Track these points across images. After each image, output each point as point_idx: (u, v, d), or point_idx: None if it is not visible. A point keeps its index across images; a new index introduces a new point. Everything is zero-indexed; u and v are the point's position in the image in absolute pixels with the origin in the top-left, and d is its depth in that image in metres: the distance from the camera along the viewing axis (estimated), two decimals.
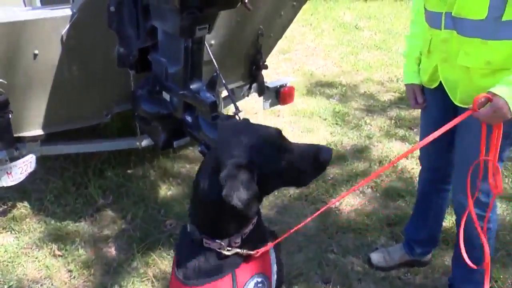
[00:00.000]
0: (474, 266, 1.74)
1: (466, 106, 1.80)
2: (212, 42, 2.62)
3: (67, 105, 2.53)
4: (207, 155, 1.33)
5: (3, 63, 2.15)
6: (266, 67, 3.18)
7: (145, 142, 2.87)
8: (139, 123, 2.68)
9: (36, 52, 2.20)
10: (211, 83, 2.21)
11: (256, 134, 1.25)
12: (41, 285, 2.35)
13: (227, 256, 1.28)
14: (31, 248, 2.56)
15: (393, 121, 3.87)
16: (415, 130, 3.74)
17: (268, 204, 2.89)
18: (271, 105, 3.44)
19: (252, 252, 1.30)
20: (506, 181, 3.09)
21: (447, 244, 2.55)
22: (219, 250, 1.27)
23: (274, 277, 1.42)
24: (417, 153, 2.34)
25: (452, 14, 1.70)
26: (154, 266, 2.46)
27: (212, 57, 2.42)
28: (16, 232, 2.67)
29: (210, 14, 2.04)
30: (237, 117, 2.27)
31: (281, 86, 3.38)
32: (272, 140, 1.26)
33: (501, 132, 1.60)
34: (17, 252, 2.54)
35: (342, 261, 2.48)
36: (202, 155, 2.25)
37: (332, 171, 3.24)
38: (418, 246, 2.37)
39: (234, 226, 1.29)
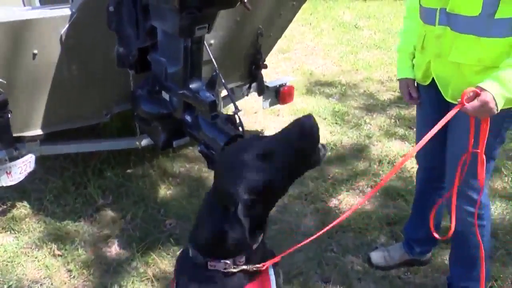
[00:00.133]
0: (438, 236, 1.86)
1: (456, 102, 1.82)
2: (212, 41, 2.62)
3: (67, 104, 2.53)
4: (211, 191, 1.32)
5: (2, 63, 2.15)
6: (265, 67, 3.18)
7: (144, 142, 2.87)
8: (139, 123, 2.67)
9: (35, 51, 2.20)
10: (211, 83, 2.21)
11: (245, 157, 1.24)
12: (41, 284, 2.35)
13: (234, 274, 1.28)
14: (31, 248, 2.56)
15: (392, 120, 3.87)
16: (414, 129, 3.73)
17: None
18: (271, 104, 3.44)
19: (258, 266, 1.31)
20: (506, 180, 3.09)
21: (446, 243, 2.55)
22: (224, 270, 1.27)
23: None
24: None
25: (447, 10, 1.71)
26: (154, 265, 2.46)
27: (211, 56, 2.42)
28: (16, 232, 2.67)
29: (210, 13, 2.04)
30: (236, 116, 2.27)
31: (281, 85, 3.38)
32: (257, 151, 1.25)
33: (488, 126, 1.62)
34: (17, 252, 2.54)
35: (342, 260, 2.48)
36: (202, 154, 2.25)
37: (332, 170, 3.24)
38: (418, 245, 2.38)
39: (241, 247, 1.29)
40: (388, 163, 3.30)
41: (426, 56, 1.89)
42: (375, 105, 4.16)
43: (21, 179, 2.49)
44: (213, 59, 2.40)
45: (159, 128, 2.45)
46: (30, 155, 2.49)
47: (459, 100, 1.59)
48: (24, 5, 3.42)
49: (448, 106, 1.86)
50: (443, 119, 1.56)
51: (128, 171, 3.19)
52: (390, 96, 4.25)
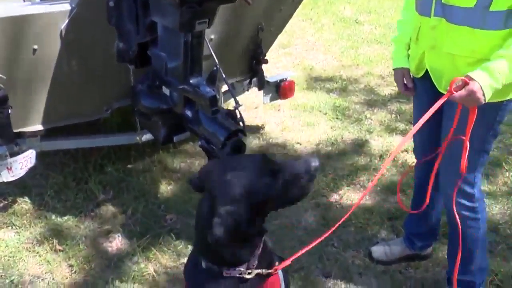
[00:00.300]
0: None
1: None
2: (212, 36, 2.61)
3: (67, 100, 2.52)
4: (204, 197, 1.34)
5: (2, 58, 2.15)
6: (266, 62, 3.17)
7: (145, 137, 2.87)
8: (139, 118, 2.67)
9: (35, 47, 2.20)
10: (211, 78, 2.21)
11: (245, 170, 1.29)
12: (42, 279, 2.36)
13: (247, 280, 1.32)
14: (32, 243, 2.57)
15: (393, 115, 3.87)
16: None
17: None
18: (271, 99, 3.44)
19: (270, 270, 1.37)
20: (507, 175, 3.09)
21: (447, 238, 2.55)
22: (240, 276, 1.31)
23: None
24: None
25: (442, 1, 1.72)
26: (154, 260, 2.46)
27: (212, 51, 2.41)
28: (17, 227, 2.67)
29: (210, 8, 2.04)
30: (237, 111, 2.26)
31: (281, 80, 3.37)
32: (261, 170, 1.30)
33: (475, 116, 1.65)
34: (18, 247, 2.54)
35: (342, 255, 2.49)
36: (203, 149, 2.25)
37: (333, 165, 3.23)
38: (418, 239, 2.38)
39: (246, 252, 1.34)
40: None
41: (420, 48, 1.90)
42: (376, 100, 4.15)
43: (21, 174, 2.49)
44: (213, 54, 2.40)
45: (160, 123, 2.45)
46: (30, 150, 2.49)
47: (448, 88, 1.61)
48: (24, 0, 3.40)
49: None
50: (432, 108, 1.60)
51: (129, 166, 3.19)
52: (391, 91, 4.24)
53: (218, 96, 2.14)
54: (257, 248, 1.36)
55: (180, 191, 2.98)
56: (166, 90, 2.34)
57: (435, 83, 1.89)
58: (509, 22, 1.63)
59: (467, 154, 1.70)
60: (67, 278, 2.37)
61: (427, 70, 1.90)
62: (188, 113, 2.27)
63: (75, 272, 2.40)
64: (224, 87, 3.16)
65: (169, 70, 2.24)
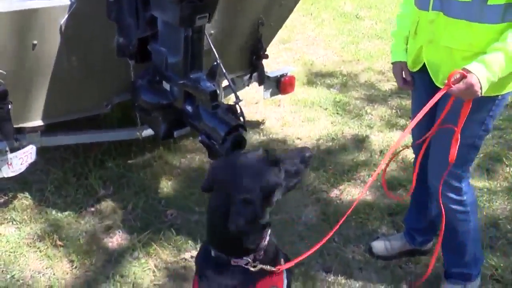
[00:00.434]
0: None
1: None
2: (212, 31, 2.60)
3: (67, 95, 2.52)
4: (216, 193, 1.44)
5: (2, 53, 2.14)
6: (266, 57, 3.16)
7: (145, 133, 2.86)
8: (139, 114, 2.67)
9: (35, 42, 2.19)
10: (211, 73, 2.20)
11: (255, 164, 1.41)
12: (43, 274, 2.36)
13: (252, 272, 1.41)
14: (33, 239, 2.57)
15: (394, 111, 3.86)
16: None
17: None
18: (272, 94, 3.43)
19: (274, 269, 1.45)
20: (507, 170, 3.08)
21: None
22: (246, 267, 1.41)
23: (285, 286, 1.55)
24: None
25: None
26: (155, 255, 2.46)
27: (212, 46, 2.41)
28: (18, 223, 2.68)
29: (210, 3, 2.03)
30: (237, 106, 2.26)
31: (282, 75, 3.36)
32: (267, 162, 1.43)
33: (469, 108, 1.66)
34: (19, 243, 2.54)
35: (343, 250, 2.49)
36: (203, 144, 2.25)
37: (333, 160, 3.23)
38: (419, 235, 2.38)
39: (253, 244, 1.42)
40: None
41: (418, 42, 1.91)
42: (376, 95, 4.14)
43: (22, 170, 2.49)
44: (213, 49, 2.39)
45: (160, 119, 2.44)
46: (31, 146, 2.49)
47: (446, 81, 1.62)
48: None
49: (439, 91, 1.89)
50: (429, 102, 1.62)
51: (129, 161, 3.19)
52: (392, 86, 4.24)
53: (218, 91, 2.13)
54: (263, 240, 1.45)
55: (181, 187, 2.98)
56: (166, 85, 2.34)
57: (432, 77, 1.89)
58: (506, 16, 1.63)
59: (456, 148, 1.72)
60: (67, 274, 2.37)
61: (424, 65, 1.91)
62: (189, 108, 2.27)
63: (75, 267, 2.40)
64: (225, 82, 3.16)
65: (170, 65, 2.23)
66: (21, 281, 2.32)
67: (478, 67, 1.59)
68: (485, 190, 2.91)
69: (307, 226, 2.66)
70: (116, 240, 2.58)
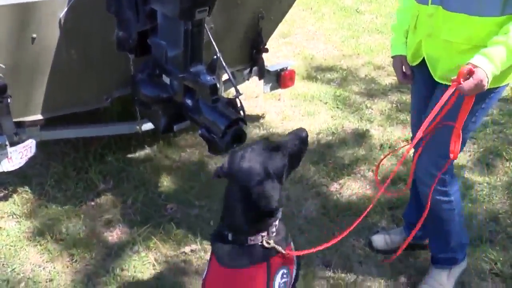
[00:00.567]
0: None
1: (444, 82, 1.85)
2: (212, 25, 2.59)
3: (66, 89, 2.51)
4: (233, 183, 1.55)
5: (1, 47, 2.13)
6: (266, 51, 3.16)
7: (145, 127, 2.86)
8: (139, 107, 2.66)
9: (34, 36, 2.18)
10: (211, 66, 2.20)
11: (261, 152, 1.54)
12: (43, 268, 2.37)
13: (267, 248, 1.52)
14: (33, 233, 2.57)
15: (394, 105, 3.86)
16: None
17: None
18: (272, 88, 3.42)
19: (284, 252, 1.55)
20: (507, 165, 3.08)
21: None
22: (261, 243, 1.51)
23: (294, 273, 1.66)
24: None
25: None
26: (155, 249, 2.47)
27: (212, 40, 2.40)
28: (18, 217, 2.68)
29: None
30: (237, 100, 2.25)
31: (282, 69, 3.35)
32: (274, 149, 1.56)
33: (472, 103, 1.66)
34: (19, 236, 2.55)
35: (343, 244, 2.49)
36: (203, 138, 2.24)
37: (333, 154, 3.23)
38: (418, 229, 2.38)
39: (269, 219, 1.55)
40: (389, 147, 3.29)
41: (417, 36, 1.91)
42: (376, 89, 4.14)
43: (21, 164, 2.48)
44: (213, 43, 2.38)
45: (160, 112, 2.44)
46: (30, 140, 2.49)
47: (453, 78, 1.59)
48: None
49: (437, 85, 1.90)
50: (440, 101, 1.60)
51: (129, 155, 3.18)
52: (392, 80, 4.23)
53: (218, 85, 2.13)
54: (276, 219, 1.58)
55: (181, 181, 2.98)
56: (166, 79, 2.33)
57: (430, 71, 1.89)
58: (506, 8, 1.63)
59: (438, 140, 1.75)
60: (67, 267, 2.38)
61: (423, 59, 1.91)
62: (188, 102, 2.26)
63: (75, 261, 2.41)
64: (225, 76, 3.15)
65: (169, 58, 2.22)
66: (21, 275, 2.33)
67: (482, 61, 1.58)
68: (485, 184, 2.92)
69: (307, 220, 2.67)
70: (116, 234, 2.59)
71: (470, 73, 1.57)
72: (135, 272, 2.34)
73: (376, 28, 5.50)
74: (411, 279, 2.31)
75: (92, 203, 2.79)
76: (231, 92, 3.40)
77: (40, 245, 2.49)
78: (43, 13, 2.15)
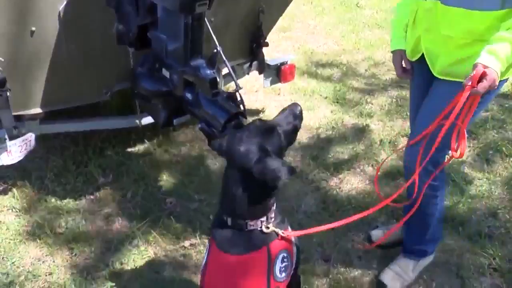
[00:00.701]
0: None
1: (443, 77, 1.85)
2: (212, 18, 2.58)
3: (66, 83, 2.50)
4: (231, 167, 1.55)
5: (0, 40, 2.12)
6: (266, 45, 3.15)
7: (145, 121, 2.85)
8: (139, 101, 2.66)
9: (33, 28, 2.17)
10: (211, 60, 2.19)
11: (257, 133, 1.55)
12: (43, 262, 2.37)
13: (265, 233, 1.54)
14: (32, 226, 2.57)
15: (394, 100, 3.85)
16: None
17: None
18: (272, 83, 3.41)
19: (284, 234, 1.58)
20: (507, 160, 3.08)
21: (446, 223, 2.56)
22: (260, 229, 1.53)
23: (294, 257, 1.67)
24: None
25: None
26: (154, 243, 2.47)
27: (212, 33, 2.39)
28: (17, 211, 2.68)
29: None
30: (237, 94, 2.25)
31: (282, 64, 3.34)
32: (266, 128, 1.58)
33: (478, 102, 1.65)
34: (19, 230, 2.55)
35: (342, 239, 2.49)
36: (203, 132, 2.23)
37: (333, 149, 3.23)
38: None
39: (266, 206, 1.57)
40: (389, 142, 3.29)
41: (416, 31, 1.90)
42: (376, 84, 4.13)
43: (21, 158, 2.48)
44: (213, 36, 2.37)
45: (159, 106, 2.43)
46: (30, 134, 2.48)
47: (467, 81, 1.57)
48: None
49: (436, 80, 1.90)
50: (457, 105, 1.58)
51: (129, 149, 3.18)
52: (392, 75, 4.22)
53: (218, 79, 2.12)
54: (274, 202, 1.61)
55: (180, 175, 2.98)
56: (166, 73, 2.32)
57: (429, 67, 1.89)
58: (506, 2, 1.62)
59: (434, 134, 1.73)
60: (67, 261, 2.38)
61: (422, 54, 1.91)
62: (188, 95, 2.25)
63: (75, 255, 2.41)
64: (225, 70, 3.14)
65: (169, 52, 2.21)
66: (21, 268, 2.33)
67: (491, 60, 1.56)
68: (485, 180, 2.92)
69: (306, 214, 2.67)
70: (116, 228, 2.59)
71: (483, 75, 1.55)
72: (134, 266, 2.35)
73: (376, 23, 5.49)
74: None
75: (92, 197, 2.79)
76: (231, 86, 3.40)
77: (40, 239, 2.49)
78: (43, 5, 2.13)
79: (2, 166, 2.46)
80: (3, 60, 2.15)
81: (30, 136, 2.48)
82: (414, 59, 1.98)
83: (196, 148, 3.23)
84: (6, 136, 2.38)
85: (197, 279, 2.23)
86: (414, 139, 2.03)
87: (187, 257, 2.40)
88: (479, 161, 3.08)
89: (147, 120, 2.85)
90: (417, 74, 2.06)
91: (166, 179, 2.94)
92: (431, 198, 2.08)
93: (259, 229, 1.54)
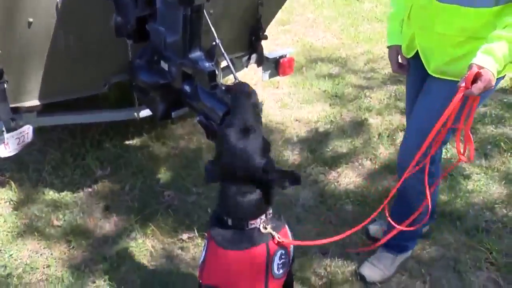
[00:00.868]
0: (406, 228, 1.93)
1: (437, 75, 1.84)
2: (211, 11, 2.56)
3: (64, 75, 2.49)
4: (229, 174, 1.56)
5: None
6: (265, 38, 3.13)
7: (143, 113, 2.84)
8: (137, 94, 2.64)
9: (31, 20, 2.15)
10: (210, 53, 2.18)
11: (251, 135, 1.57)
12: (41, 254, 2.37)
13: (262, 233, 1.56)
14: (30, 219, 2.57)
15: (392, 94, 3.85)
16: None
17: None
18: (270, 76, 3.40)
19: (280, 240, 1.59)
20: (505, 155, 3.09)
21: (444, 217, 2.57)
22: (259, 227, 1.55)
23: (291, 254, 1.69)
24: None
25: None
26: (152, 236, 2.47)
27: (211, 26, 2.37)
28: (15, 203, 2.67)
29: None
30: None
31: (281, 57, 3.33)
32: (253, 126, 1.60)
33: (478, 102, 1.63)
34: (16, 223, 2.54)
35: (340, 232, 2.48)
36: (201, 125, 2.23)
37: (331, 143, 3.23)
38: (415, 218, 2.38)
39: (266, 198, 1.58)
40: (388, 136, 3.29)
41: (411, 28, 1.89)
42: (375, 78, 4.12)
43: (18, 150, 2.47)
44: (212, 29, 2.36)
45: (158, 99, 2.42)
46: (27, 126, 2.47)
47: (461, 82, 1.55)
48: None
49: (431, 78, 1.88)
50: (449, 107, 1.56)
51: (127, 142, 3.17)
52: (390, 69, 4.21)
53: (217, 72, 2.11)
54: (271, 197, 1.61)
55: (178, 167, 2.97)
56: (164, 65, 2.31)
57: (424, 65, 1.88)
58: None
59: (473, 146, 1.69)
60: (65, 254, 2.38)
61: (417, 51, 1.89)
62: (187, 88, 2.25)
63: (73, 247, 2.41)
64: (223, 63, 3.13)
65: (168, 44, 2.20)
66: (19, 261, 2.33)
67: (487, 60, 1.54)
68: (482, 174, 2.92)
69: (304, 208, 2.67)
70: (113, 220, 2.58)
71: (477, 75, 1.53)
72: (132, 258, 2.35)
73: (375, 16, 5.48)
74: (408, 269, 2.32)
75: (90, 190, 2.78)
76: (229, 79, 3.39)
77: (37, 231, 2.49)
78: None
79: (0, 158, 2.45)
80: (0, 51, 2.13)
81: (28, 129, 2.46)
82: (409, 56, 1.97)
83: (194, 141, 3.22)
84: (3, 128, 2.37)
85: (194, 271, 2.23)
86: (410, 135, 2.03)
87: (184, 250, 2.40)
88: (477, 156, 3.08)
89: (145, 112, 2.83)
90: (412, 71, 2.05)
91: (164, 172, 2.94)
92: (420, 195, 2.03)
93: (258, 226, 1.56)
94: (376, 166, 3.00)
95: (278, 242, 1.58)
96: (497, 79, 1.77)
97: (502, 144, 3.16)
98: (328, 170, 2.97)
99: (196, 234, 2.48)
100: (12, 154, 2.44)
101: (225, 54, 2.35)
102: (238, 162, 1.53)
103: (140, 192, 2.76)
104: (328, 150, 3.16)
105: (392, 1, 2.07)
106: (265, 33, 3.11)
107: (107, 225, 2.55)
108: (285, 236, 1.65)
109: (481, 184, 2.84)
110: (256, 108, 1.68)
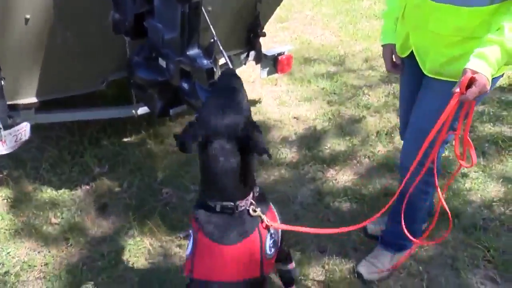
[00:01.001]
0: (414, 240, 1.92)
1: (433, 76, 1.83)
2: (210, 8, 2.56)
3: (61, 72, 2.48)
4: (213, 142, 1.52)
5: None
6: (264, 35, 3.13)
7: (141, 110, 2.83)
8: (135, 91, 2.64)
9: (28, 16, 2.14)
10: (208, 50, 2.17)
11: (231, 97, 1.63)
12: (39, 252, 2.36)
13: (252, 216, 1.55)
14: (28, 216, 2.56)
15: (391, 92, 3.85)
16: None
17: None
18: (269, 73, 3.40)
19: (269, 224, 1.60)
20: (503, 153, 3.09)
21: (442, 215, 2.57)
22: (248, 208, 1.54)
23: (279, 233, 1.72)
24: None
25: None
26: (150, 234, 2.47)
27: (209, 23, 2.37)
28: (12, 201, 2.66)
29: None
30: None
31: (279, 54, 3.33)
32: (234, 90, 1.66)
33: (474, 105, 1.61)
34: (14, 220, 2.54)
35: None
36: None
37: (329, 140, 3.23)
38: (419, 219, 2.38)
39: (252, 175, 1.59)
40: (386, 134, 3.29)
41: (405, 27, 1.88)
42: (373, 76, 4.12)
43: (16, 147, 2.46)
44: (211, 26, 2.35)
45: (156, 96, 2.41)
46: (25, 123, 2.46)
47: (455, 89, 1.54)
48: None
49: (426, 78, 1.87)
50: (444, 112, 1.55)
51: (125, 139, 3.17)
52: None
53: (215, 69, 2.10)
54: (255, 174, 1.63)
55: (176, 165, 2.97)
56: (162, 62, 2.30)
57: (419, 65, 1.87)
58: None
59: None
60: (63, 251, 2.37)
61: (412, 51, 1.88)
62: (185, 85, 2.24)
63: (70, 245, 2.40)
64: (221, 60, 3.12)
65: (166, 41, 2.19)
66: (16, 258, 2.32)
67: (481, 65, 1.53)
68: (480, 172, 2.92)
69: (302, 206, 2.67)
70: (111, 218, 2.58)
71: (472, 80, 1.52)
72: (130, 256, 2.35)
73: (374, 14, 5.47)
74: (406, 267, 2.32)
75: (87, 187, 2.78)
76: None
77: (35, 229, 2.48)
78: None
79: None
80: None
81: (25, 126, 2.45)
82: (403, 55, 1.96)
83: None
84: (1, 126, 2.36)
85: None
86: (404, 135, 2.03)
87: (182, 248, 2.40)
88: (475, 153, 3.08)
89: (143, 110, 2.83)
90: (407, 70, 2.04)
91: (162, 170, 2.94)
92: (423, 194, 2.07)
93: (247, 208, 1.54)
94: (374, 164, 3.00)
95: (267, 225, 1.58)
96: (495, 78, 1.77)
97: (500, 142, 3.17)
98: (326, 168, 2.97)
99: None
100: (10, 152, 2.44)
101: (223, 51, 2.34)
102: (220, 117, 1.50)
103: (138, 190, 2.75)
104: (326, 147, 3.16)
105: (387, 0, 2.06)
106: (263, 30, 3.11)
107: (105, 223, 2.55)
108: (273, 217, 1.65)
109: (478, 182, 2.84)
110: (242, 87, 1.68)
